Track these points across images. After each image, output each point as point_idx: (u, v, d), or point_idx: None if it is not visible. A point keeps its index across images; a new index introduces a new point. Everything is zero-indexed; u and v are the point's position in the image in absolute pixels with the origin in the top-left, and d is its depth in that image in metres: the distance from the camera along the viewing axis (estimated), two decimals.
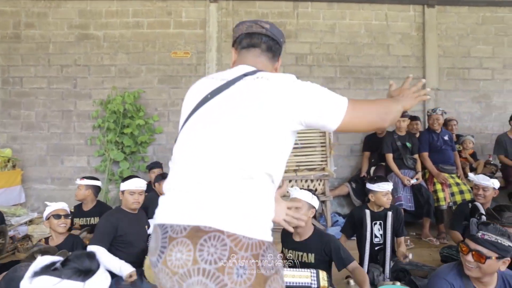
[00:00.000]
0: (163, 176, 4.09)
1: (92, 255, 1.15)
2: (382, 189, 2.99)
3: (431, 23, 5.70)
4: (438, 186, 4.53)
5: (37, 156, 5.55)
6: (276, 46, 1.38)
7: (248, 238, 1.02)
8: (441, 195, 4.47)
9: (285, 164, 1.21)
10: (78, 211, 3.68)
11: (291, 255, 2.61)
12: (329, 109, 1.16)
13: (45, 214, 2.99)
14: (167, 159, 5.65)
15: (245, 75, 1.21)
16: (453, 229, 3.38)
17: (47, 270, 1.04)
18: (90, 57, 5.56)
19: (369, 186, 3.08)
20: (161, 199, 1.15)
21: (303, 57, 5.63)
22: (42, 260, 1.09)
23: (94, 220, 3.51)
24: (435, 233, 4.44)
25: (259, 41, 1.35)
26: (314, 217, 5.00)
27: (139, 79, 5.55)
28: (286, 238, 2.70)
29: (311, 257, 2.52)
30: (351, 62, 5.68)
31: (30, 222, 4.53)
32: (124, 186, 3.01)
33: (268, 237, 1.07)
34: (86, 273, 1.07)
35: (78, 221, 3.60)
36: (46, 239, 3.01)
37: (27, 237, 4.07)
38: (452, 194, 4.48)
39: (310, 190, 2.59)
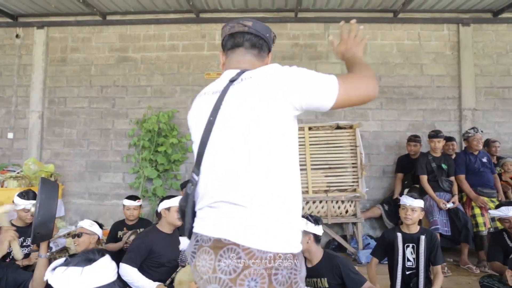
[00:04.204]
0: None
1: (99, 251, 1.28)
2: (401, 202, 2.99)
3: (466, 42, 5.57)
4: (477, 211, 4.34)
5: (76, 172, 5.83)
6: (260, 42, 1.33)
7: (262, 252, 1.04)
8: (480, 220, 4.27)
9: (297, 155, 1.20)
10: (121, 226, 3.89)
11: (309, 282, 2.57)
12: (322, 88, 1.12)
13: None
14: None
15: (231, 81, 1.21)
16: (492, 260, 3.14)
17: (61, 263, 1.23)
18: (128, 78, 5.85)
19: None
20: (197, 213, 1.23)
21: None
22: (61, 259, 1.27)
23: (139, 230, 3.70)
24: (474, 260, 4.22)
25: (242, 40, 1.32)
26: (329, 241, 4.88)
27: (174, 99, 5.76)
28: None
29: (324, 282, 2.48)
30: (383, 82, 5.63)
31: (68, 234, 4.72)
32: (171, 203, 2.98)
33: (285, 249, 1.07)
34: (87, 261, 1.22)
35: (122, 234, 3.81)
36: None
37: (65, 249, 4.24)
38: (493, 219, 4.26)
39: (309, 216, 2.54)
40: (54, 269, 1.22)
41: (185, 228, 1.23)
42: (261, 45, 1.33)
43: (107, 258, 1.26)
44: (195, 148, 1.25)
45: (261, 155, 1.10)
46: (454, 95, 5.57)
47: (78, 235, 3.00)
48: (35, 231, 1.99)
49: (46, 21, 5.95)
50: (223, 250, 1.06)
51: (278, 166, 1.12)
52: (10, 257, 2.92)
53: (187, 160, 5.63)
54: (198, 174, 1.20)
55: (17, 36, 6.00)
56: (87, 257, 1.23)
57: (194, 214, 1.22)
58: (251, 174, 1.10)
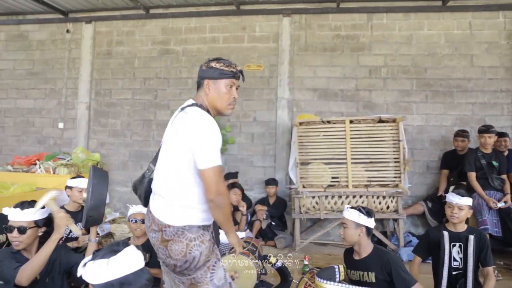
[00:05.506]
0: (233, 185, 4.22)
1: (124, 242, 1.35)
2: (447, 199, 2.85)
3: None
4: None
5: (120, 161, 6.08)
6: (198, 81, 1.93)
7: (159, 221, 1.78)
8: None
9: (195, 171, 1.75)
10: None
11: (354, 274, 2.53)
12: (201, 155, 1.69)
13: (128, 215, 3.24)
14: (238, 169, 5.81)
15: (183, 108, 1.83)
16: None
17: (89, 259, 1.30)
18: (169, 70, 5.99)
19: None
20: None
21: (377, 69, 5.46)
22: (90, 256, 1.33)
23: None
24: None
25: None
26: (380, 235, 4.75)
27: None
28: (347, 257, 2.66)
29: (372, 276, 2.41)
30: (429, 74, 5.37)
31: (113, 221, 4.95)
32: None
33: (175, 223, 1.75)
34: (112, 252, 1.28)
35: None
36: (128, 239, 3.23)
37: (110, 235, 4.45)
38: None
39: (361, 208, 2.50)
40: (84, 265, 1.29)
41: (141, 197, 2.00)
42: (199, 82, 1.93)
43: (131, 247, 1.33)
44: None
45: (176, 169, 1.77)
46: (508, 88, 5.22)
47: (143, 221, 2.93)
48: (88, 215, 2.10)
49: (93, 16, 6.20)
50: (149, 215, 1.85)
51: (183, 179, 1.77)
52: (63, 239, 3.11)
53: (227, 152, 5.69)
54: (155, 166, 1.89)
55: (67, 31, 6.30)
56: (112, 249, 1.30)
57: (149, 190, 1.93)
58: (169, 180, 1.79)
